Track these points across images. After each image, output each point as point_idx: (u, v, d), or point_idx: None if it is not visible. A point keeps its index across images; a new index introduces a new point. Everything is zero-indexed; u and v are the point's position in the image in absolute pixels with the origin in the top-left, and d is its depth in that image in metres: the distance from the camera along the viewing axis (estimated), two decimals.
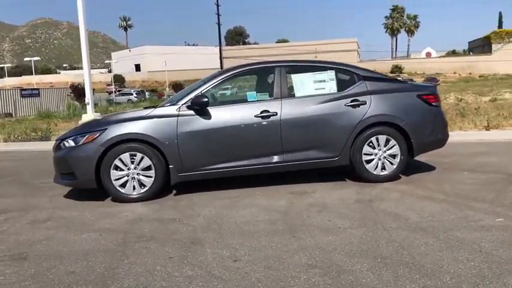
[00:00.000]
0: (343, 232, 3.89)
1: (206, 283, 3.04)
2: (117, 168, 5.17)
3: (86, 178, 5.20)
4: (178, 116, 5.27)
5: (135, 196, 5.22)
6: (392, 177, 5.58)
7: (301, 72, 5.63)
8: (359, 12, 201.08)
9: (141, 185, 5.24)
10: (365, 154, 5.50)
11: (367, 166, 5.51)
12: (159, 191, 5.32)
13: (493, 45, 70.15)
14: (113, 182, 5.18)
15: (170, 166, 5.22)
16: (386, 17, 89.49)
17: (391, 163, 5.55)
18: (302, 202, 4.89)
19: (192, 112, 5.29)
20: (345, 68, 5.79)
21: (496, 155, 7.20)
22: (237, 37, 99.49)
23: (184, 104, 5.32)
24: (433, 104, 5.74)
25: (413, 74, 69.65)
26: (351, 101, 5.49)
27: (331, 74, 5.62)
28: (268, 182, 5.70)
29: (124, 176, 5.20)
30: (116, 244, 3.88)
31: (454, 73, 68.22)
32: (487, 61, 69.48)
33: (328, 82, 5.59)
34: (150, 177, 5.22)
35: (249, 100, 5.50)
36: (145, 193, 5.23)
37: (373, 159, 5.52)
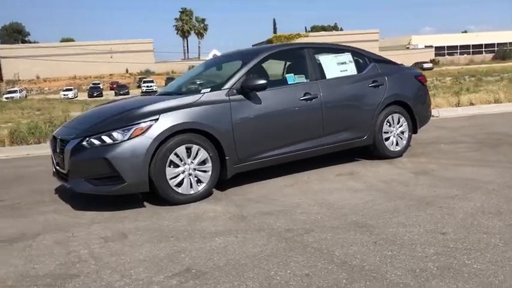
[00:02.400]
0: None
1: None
2: (171, 164, 4.38)
3: (137, 180, 4.25)
4: (230, 101, 4.72)
5: (192, 195, 4.49)
6: (403, 152, 6.00)
7: (325, 54, 5.61)
8: (152, 14, 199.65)
9: (198, 181, 4.55)
10: (384, 132, 5.79)
11: (386, 143, 5.82)
12: (213, 187, 4.69)
13: None
14: (169, 181, 4.36)
15: (226, 157, 4.64)
16: (176, 19, 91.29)
17: (402, 139, 5.97)
18: (374, 179, 4.92)
19: (241, 97, 4.80)
20: (357, 50, 5.97)
21: None
22: (15, 34, 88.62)
23: (232, 88, 4.79)
24: (424, 84, 6.37)
25: None
26: (372, 82, 5.72)
27: (349, 56, 5.74)
28: (296, 168, 5.50)
29: (180, 174, 4.43)
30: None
31: None
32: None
33: (348, 64, 5.70)
34: (206, 171, 4.56)
35: (289, 83, 5.24)
36: (202, 190, 4.54)
37: (389, 137, 5.85)
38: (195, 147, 4.46)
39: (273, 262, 2.99)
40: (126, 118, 4.37)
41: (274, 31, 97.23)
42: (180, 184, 4.41)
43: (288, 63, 5.74)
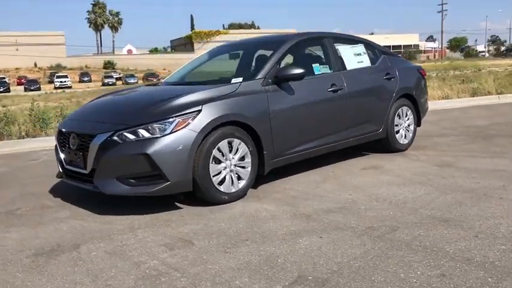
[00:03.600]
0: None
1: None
2: (214, 160, 3.96)
3: (181, 179, 3.77)
4: (265, 91, 4.38)
5: (233, 194, 4.10)
6: (409, 145, 6.00)
7: (342, 44, 5.43)
8: (64, 5, 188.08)
9: (238, 178, 4.17)
10: (395, 125, 5.75)
11: (397, 136, 5.79)
12: (252, 184, 4.33)
13: (194, 44, 77.01)
14: (212, 179, 3.94)
15: (264, 152, 4.30)
16: (88, 11, 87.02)
17: (408, 132, 5.97)
18: (405, 173, 4.82)
19: (275, 87, 4.48)
20: (368, 42, 5.86)
21: None
22: None
23: (266, 77, 4.45)
24: (424, 77, 6.43)
25: (127, 69, 70.48)
26: (386, 74, 5.64)
27: (362, 48, 5.61)
28: (309, 163, 5.26)
29: (221, 170, 4.02)
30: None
31: (164, 69, 72.02)
32: (190, 59, 75.77)
33: (363, 55, 5.56)
34: (245, 167, 4.19)
35: (316, 73, 4.99)
36: (242, 188, 4.17)
37: (399, 130, 5.82)
38: (236, 141, 4.07)
39: (390, 263, 2.74)
40: (166, 109, 3.87)
41: (192, 27, 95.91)
42: (221, 182, 4.00)
43: (311, 52, 5.47)
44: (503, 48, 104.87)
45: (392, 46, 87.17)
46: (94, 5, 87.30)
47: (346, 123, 5.09)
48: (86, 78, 60.49)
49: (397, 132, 5.77)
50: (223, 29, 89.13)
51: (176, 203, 4.12)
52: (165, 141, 3.70)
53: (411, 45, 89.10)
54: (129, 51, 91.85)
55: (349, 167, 5.18)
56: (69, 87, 50.55)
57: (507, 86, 12.85)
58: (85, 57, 75.69)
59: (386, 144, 5.75)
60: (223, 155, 3.98)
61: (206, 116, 3.86)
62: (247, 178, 4.18)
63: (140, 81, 55.31)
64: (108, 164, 3.74)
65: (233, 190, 4.08)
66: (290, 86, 4.54)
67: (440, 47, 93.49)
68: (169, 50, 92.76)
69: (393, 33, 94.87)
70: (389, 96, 5.59)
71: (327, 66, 5.10)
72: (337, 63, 5.16)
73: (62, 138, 4.27)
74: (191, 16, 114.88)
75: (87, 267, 2.91)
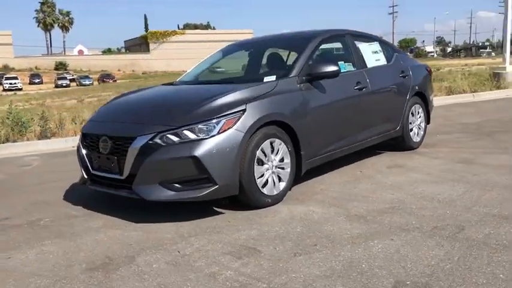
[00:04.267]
0: None
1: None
2: (258, 162, 3.77)
3: (229, 182, 3.56)
4: (300, 89, 4.23)
5: (275, 196, 3.93)
6: (421, 143, 6.01)
7: (360, 42, 5.36)
8: (10, 2, 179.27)
9: (279, 180, 4.00)
10: (410, 123, 5.75)
11: (411, 134, 5.78)
12: (290, 186, 4.17)
13: (150, 44, 75.65)
14: (257, 181, 3.75)
15: (302, 152, 4.16)
16: (36, 10, 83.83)
17: (420, 129, 5.98)
18: (433, 170, 4.79)
19: (309, 85, 4.34)
20: (381, 40, 5.83)
21: None
22: None
23: (300, 75, 4.30)
24: (431, 74, 6.47)
25: (80, 71, 68.32)
26: (401, 72, 5.62)
27: (378, 46, 5.57)
28: (337, 163, 5.16)
29: (264, 172, 3.84)
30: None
31: (119, 70, 70.39)
32: (146, 59, 74.62)
33: (379, 53, 5.51)
34: (284, 169, 4.03)
35: (342, 71, 4.87)
36: (283, 190, 4.00)
37: (413, 128, 5.82)
38: (277, 142, 3.91)
39: (481, 263, 2.66)
40: (210, 109, 3.64)
41: (146, 27, 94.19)
42: (264, 184, 3.82)
43: (335, 49, 5.36)
44: (449, 49, 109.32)
45: None
46: (42, 4, 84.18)
47: (370, 122, 5.03)
48: (36, 80, 58.06)
49: (411, 130, 5.76)
50: (178, 29, 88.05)
51: (214, 208, 3.90)
52: (213, 143, 3.48)
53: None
54: (80, 52, 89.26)
55: (374, 166, 5.11)
56: (20, 90, 48.39)
57: (478, 84, 13.25)
58: (34, 58, 72.76)
59: (401, 143, 5.72)
60: (265, 156, 3.81)
61: (251, 115, 3.68)
62: (287, 180, 4.02)
63: (95, 83, 53.85)
64: (151, 169, 3.48)
65: (275, 192, 3.91)
66: (321, 84, 4.41)
67: None
68: (123, 50, 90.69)
69: None
70: (405, 95, 5.57)
71: (351, 63, 5.01)
72: (359, 60, 5.09)
73: (89, 142, 3.95)
74: (145, 16, 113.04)
75: (157, 281, 2.67)
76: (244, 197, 3.72)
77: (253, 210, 3.80)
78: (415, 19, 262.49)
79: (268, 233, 3.32)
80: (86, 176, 4.01)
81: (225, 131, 3.53)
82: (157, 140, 3.48)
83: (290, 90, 4.13)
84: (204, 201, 3.70)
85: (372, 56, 5.37)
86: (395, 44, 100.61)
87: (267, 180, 3.83)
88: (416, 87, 5.78)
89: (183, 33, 76.68)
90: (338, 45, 5.20)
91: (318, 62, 4.44)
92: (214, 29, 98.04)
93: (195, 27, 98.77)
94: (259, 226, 3.45)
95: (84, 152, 3.98)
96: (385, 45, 5.78)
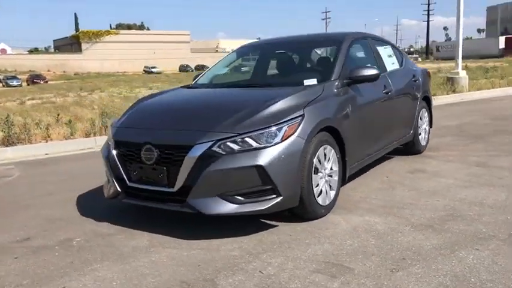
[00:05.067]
0: None
1: None
2: (315, 170, 3.56)
3: (292, 193, 3.31)
4: (341, 94, 4.06)
5: (327, 206, 3.72)
6: (426, 147, 6.05)
7: (377, 45, 5.28)
8: None
9: (330, 188, 3.80)
10: (418, 127, 5.76)
11: (420, 138, 5.80)
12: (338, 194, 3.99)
13: (82, 44, 72.56)
14: (314, 191, 3.54)
15: (346, 159, 3.99)
16: None
17: (425, 133, 6.02)
18: (456, 174, 4.79)
19: (348, 89, 4.18)
20: (392, 44, 5.79)
21: None
22: None
23: (340, 78, 4.13)
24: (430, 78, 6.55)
25: (5, 71, 64.22)
26: (413, 76, 5.63)
27: (391, 49, 5.54)
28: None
29: (319, 181, 3.63)
30: None
31: (48, 71, 66.96)
32: (78, 60, 71.51)
33: (392, 57, 5.49)
34: (332, 176, 3.83)
35: None
36: (334, 198, 3.82)
37: (421, 132, 5.84)
38: (328, 149, 3.71)
39: None
40: (270, 115, 3.36)
41: (76, 26, 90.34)
42: (319, 193, 3.61)
43: (361, 52, 5.22)
44: None
45: None
46: None
47: (392, 127, 4.98)
48: None
49: (419, 134, 5.77)
50: (111, 29, 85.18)
51: (261, 220, 3.64)
52: (277, 151, 3.22)
53: None
54: (3, 51, 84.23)
55: (396, 171, 5.04)
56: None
57: (435, 88, 13.74)
58: None
59: (411, 147, 5.72)
60: (320, 164, 3.60)
61: (309, 121, 3.46)
62: (336, 188, 3.84)
63: (24, 84, 50.73)
64: (210, 180, 3.15)
65: (327, 202, 3.71)
66: (358, 87, 4.27)
67: None
68: (51, 50, 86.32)
69: None
70: (417, 99, 5.58)
71: (375, 66, 4.90)
72: (381, 64, 5.01)
73: (124, 151, 3.53)
74: (75, 15, 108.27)
75: None
76: (301, 209, 3.49)
77: (303, 221, 3.57)
78: (348, 26, 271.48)
79: (343, 247, 3.11)
80: (119, 189, 3.58)
81: (288, 138, 3.28)
82: (216, 149, 3.17)
83: (333, 94, 3.95)
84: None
85: (388, 59, 5.31)
86: None
87: (320, 189, 3.62)
88: (425, 92, 5.81)
89: (117, 33, 74.19)
90: (361, 48, 5.07)
91: (357, 66, 4.29)
92: (148, 29, 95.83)
93: (129, 27, 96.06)
94: (328, 239, 3.24)
95: (118, 162, 3.55)
96: (396, 49, 5.75)
